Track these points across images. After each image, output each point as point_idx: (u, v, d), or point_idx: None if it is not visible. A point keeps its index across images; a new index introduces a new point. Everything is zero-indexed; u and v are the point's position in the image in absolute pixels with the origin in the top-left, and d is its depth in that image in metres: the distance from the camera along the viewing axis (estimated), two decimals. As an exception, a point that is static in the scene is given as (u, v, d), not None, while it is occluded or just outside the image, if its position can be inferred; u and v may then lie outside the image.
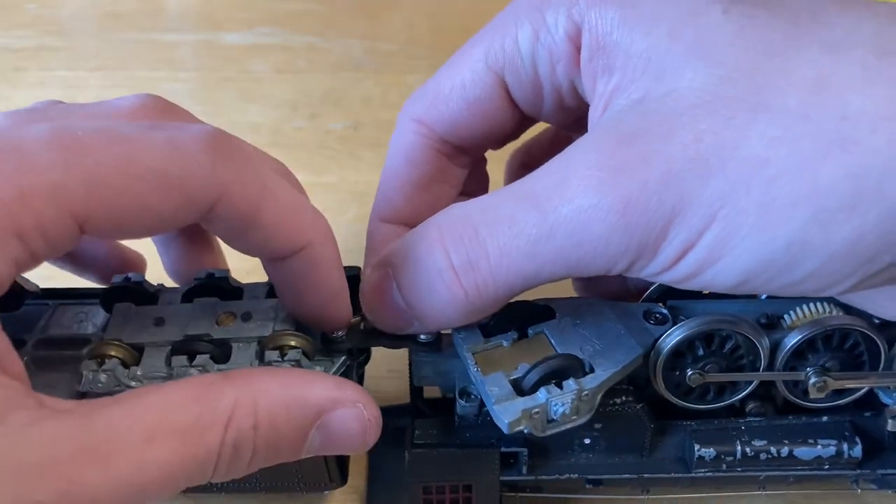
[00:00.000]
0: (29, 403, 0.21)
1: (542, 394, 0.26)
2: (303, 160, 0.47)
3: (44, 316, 0.29)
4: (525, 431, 0.26)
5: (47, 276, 0.30)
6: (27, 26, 0.56)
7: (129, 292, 0.29)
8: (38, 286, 0.30)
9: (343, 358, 0.28)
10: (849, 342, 0.28)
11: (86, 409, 0.21)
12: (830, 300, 0.29)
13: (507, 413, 0.26)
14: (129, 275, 0.30)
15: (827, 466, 0.29)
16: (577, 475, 0.29)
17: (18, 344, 0.28)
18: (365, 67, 0.54)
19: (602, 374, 0.27)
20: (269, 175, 0.25)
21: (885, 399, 0.29)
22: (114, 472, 0.21)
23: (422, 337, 0.28)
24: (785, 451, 0.29)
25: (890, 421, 0.29)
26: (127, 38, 0.56)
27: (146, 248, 0.33)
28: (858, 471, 0.29)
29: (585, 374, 0.27)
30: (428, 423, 0.29)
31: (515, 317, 0.29)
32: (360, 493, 0.33)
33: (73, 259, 0.32)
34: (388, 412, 0.28)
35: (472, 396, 0.28)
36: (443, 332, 0.28)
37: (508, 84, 0.29)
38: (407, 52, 0.55)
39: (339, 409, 0.24)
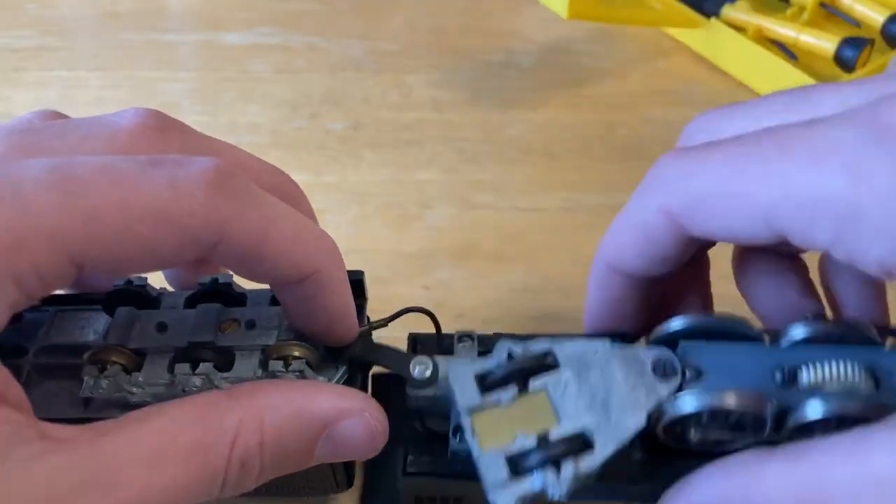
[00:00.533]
0: (31, 436, 0.21)
1: (538, 480, 0.26)
2: (303, 160, 0.47)
3: (45, 323, 0.29)
4: None
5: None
6: (27, 26, 0.56)
7: (131, 296, 0.29)
8: None
9: (345, 368, 0.28)
10: (861, 421, 0.27)
11: (88, 437, 0.21)
12: (855, 359, 0.27)
13: (503, 499, 0.25)
14: (131, 278, 0.29)
15: None
16: (566, 499, 0.29)
17: (20, 352, 0.28)
18: (365, 67, 0.53)
19: (602, 453, 0.26)
20: (274, 205, 0.25)
21: None
22: (120, 499, 0.21)
23: (417, 372, 0.28)
24: None
25: None
26: (127, 38, 0.56)
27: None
28: None
29: (585, 447, 0.26)
30: (422, 447, 0.29)
31: (516, 369, 0.28)
32: (359, 491, 0.33)
33: (75, 284, 0.32)
34: (385, 380, 0.29)
35: (464, 434, 0.27)
36: (439, 367, 0.28)
37: None
38: (407, 52, 0.55)
39: (345, 419, 0.24)
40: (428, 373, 0.28)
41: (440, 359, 0.28)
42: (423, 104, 0.51)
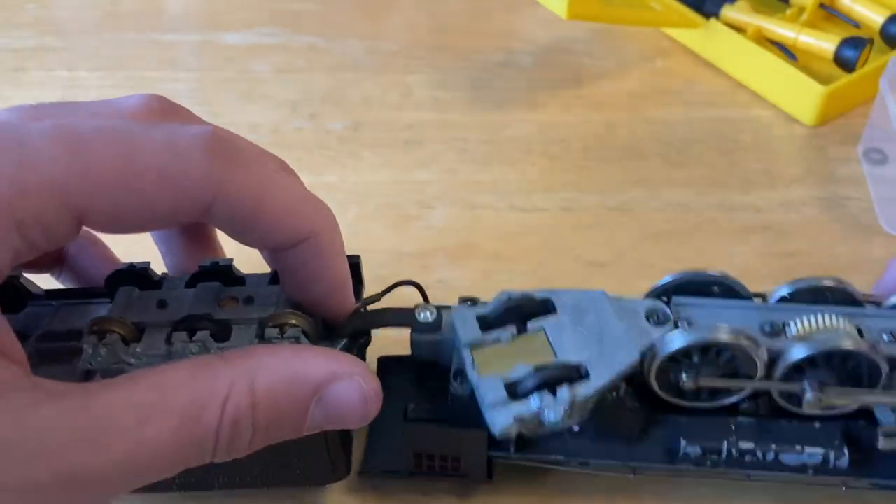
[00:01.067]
0: (26, 385, 0.21)
1: (534, 401, 0.26)
2: (303, 160, 0.47)
3: (48, 315, 0.29)
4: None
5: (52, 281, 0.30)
6: (27, 26, 0.56)
7: (134, 277, 0.30)
8: (42, 289, 0.30)
9: (344, 341, 0.28)
10: (851, 362, 0.28)
11: (82, 392, 0.21)
12: (839, 311, 0.28)
13: (500, 419, 0.26)
14: (134, 262, 0.30)
15: (811, 472, 0.29)
16: (563, 457, 0.30)
17: (21, 339, 0.28)
18: (365, 67, 0.54)
19: (597, 382, 0.27)
20: (270, 169, 0.25)
21: (880, 417, 0.29)
22: (111, 453, 0.21)
23: (422, 316, 0.29)
24: (771, 455, 0.29)
25: (882, 439, 0.29)
26: (127, 38, 0.56)
27: (147, 245, 0.33)
28: (843, 478, 0.29)
29: (581, 378, 0.27)
30: (424, 396, 0.30)
31: (516, 310, 0.29)
32: (358, 490, 0.33)
33: (73, 273, 0.32)
34: (390, 362, 0.30)
35: (467, 379, 0.29)
36: (443, 313, 0.29)
37: None
38: (407, 52, 0.55)
39: (338, 381, 0.24)
40: (432, 317, 0.29)
41: (444, 309, 0.29)
42: (423, 104, 0.51)
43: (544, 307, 0.29)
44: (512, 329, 0.29)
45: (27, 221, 0.22)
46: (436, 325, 0.29)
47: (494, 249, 0.43)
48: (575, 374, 0.27)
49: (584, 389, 0.27)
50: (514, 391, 0.27)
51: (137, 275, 0.30)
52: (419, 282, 0.31)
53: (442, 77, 0.53)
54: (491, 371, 0.27)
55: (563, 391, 0.26)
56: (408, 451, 0.30)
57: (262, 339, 0.27)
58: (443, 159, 0.48)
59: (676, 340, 0.28)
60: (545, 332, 0.29)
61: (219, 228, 0.26)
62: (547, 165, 0.47)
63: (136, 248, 0.33)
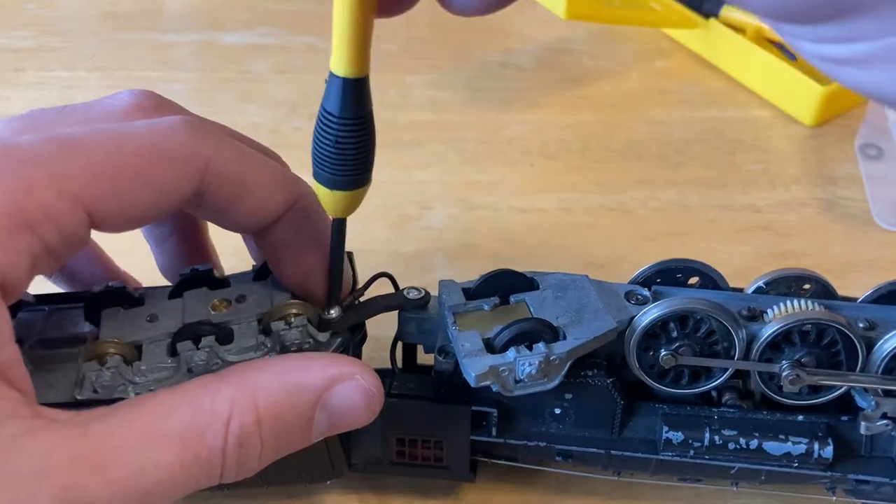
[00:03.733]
0: (24, 413, 0.21)
1: (511, 353, 0.27)
2: (303, 160, 0.46)
3: (40, 322, 0.29)
4: (493, 389, 0.27)
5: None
6: (27, 26, 0.56)
7: (114, 297, 0.29)
8: (32, 296, 0.30)
9: (340, 339, 0.28)
10: (826, 339, 0.28)
11: (82, 419, 0.22)
12: (818, 301, 0.29)
13: (476, 366, 0.27)
14: (109, 283, 0.29)
15: (796, 464, 0.29)
16: (545, 443, 0.30)
17: None
18: (364, 67, 0.53)
19: (573, 342, 0.27)
20: (248, 148, 0.27)
21: (860, 402, 0.29)
22: (112, 478, 0.21)
23: (412, 294, 0.30)
24: (754, 443, 0.29)
25: (863, 424, 0.29)
26: (126, 38, 0.56)
27: (140, 245, 0.33)
28: (829, 473, 0.29)
29: (557, 340, 0.28)
30: (407, 377, 0.31)
31: (500, 284, 0.30)
32: (357, 490, 0.33)
33: (66, 275, 0.32)
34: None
35: (450, 354, 0.29)
36: (431, 295, 0.30)
37: None
38: (406, 52, 0.55)
39: (339, 384, 0.24)
40: (420, 295, 0.30)
41: (433, 293, 0.30)
42: (423, 104, 0.51)
43: (528, 284, 0.30)
44: (495, 300, 0.30)
45: (37, 219, 0.22)
46: (424, 302, 0.30)
47: (493, 250, 0.43)
48: (552, 333, 0.28)
49: (560, 347, 0.27)
50: (492, 346, 0.28)
51: (116, 295, 0.29)
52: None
53: (441, 77, 0.53)
54: (471, 328, 0.28)
55: (539, 346, 0.27)
56: (389, 437, 0.30)
57: (266, 334, 0.27)
58: (442, 160, 0.48)
59: (654, 311, 0.28)
60: (527, 303, 0.29)
61: (208, 213, 0.27)
62: (546, 165, 0.47)
63: (129, 246, 0.33)
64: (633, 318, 0.29)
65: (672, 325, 0.29)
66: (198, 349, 0.27)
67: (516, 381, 0.27)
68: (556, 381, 0.28)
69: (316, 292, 0.28)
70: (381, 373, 0.31)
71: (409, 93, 0.52)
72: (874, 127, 0.46)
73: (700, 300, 0.28)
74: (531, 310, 0.29)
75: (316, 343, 0.28)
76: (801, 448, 0.29)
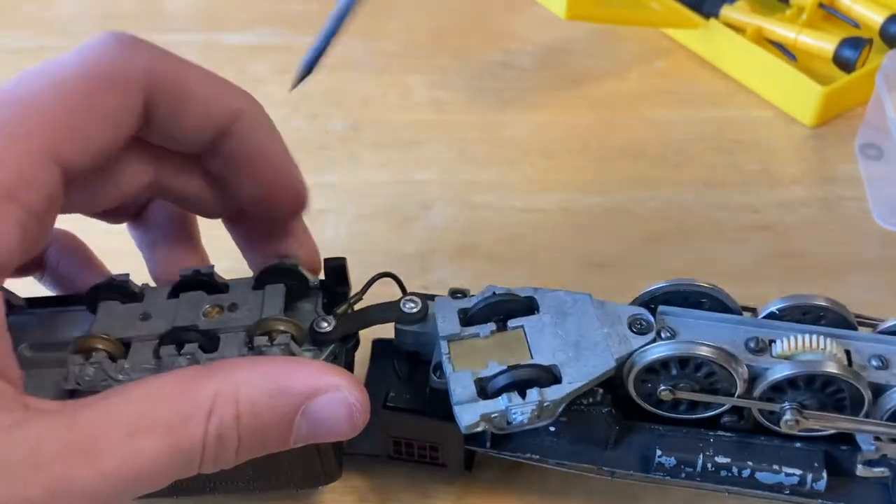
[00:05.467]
0: (13, 406, 0.21)
1: (503, 400, 0.26)
2: (303, 160, 0.46)
3: (30, 325, 0.29)
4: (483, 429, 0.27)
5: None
6: (27, 27, 0.56)
7: (114, 290, 0.29)
8: (23, 300, 0.30)
9: (332, 346, 0.28)
10: (832, 387, 0.28)
11: (70, 409, 0.22)
12: (827, 332, 0.28)
13: (467, 416, 0.26)
14: (113, 275, 0.30)
15: (787, 492, 0.29)
16: (538, 457, 0.30)
17: None
18: (365, 67, 0.54)
19: (567, 387, 0.27)
20: (187, 60, 0.27)
21: (861, 443, 0.28)
22: (102, 466, 0.21)
23: (407, 307, 0.29)
24: (746, 472, 0.29)
25: (860, 466, 0.28)
26: (127, 38, 0.56)
27: (131, 248, 0.33)
28: (820, 501, 0.29)
29: (552, 381, 0.27)
30: (404, 386, 0.30)
31: (499, 306, 0.29)
32: (357, 490, 0.33)
33: (55, 278, 0.33)
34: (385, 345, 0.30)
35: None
36: (428, 304, 0.29)
37: None
38: (407, 52, 0.55)
39: (323, 395, 0.24)
40: (416, 308, 0.29)
41: (428, 300, 0.29)
42: (423, 104, 0.51)
43: (528, 306, 0.29)
44: (492, 326, 0.29)
45: (17, 187, 0.22)
46: (420, 316, 0.29)
47: (494, 250, 0.43)
48: (547, 376, 0.27)
49: (554, 393, 0.27)
50: (485, 388, 0.27)
51: (118, 287, 0.29)
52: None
53: (442, 77, 0.53)
54: (465, 366, 0.28)
55: (533, 393, 0.26)
56: (386, 437, 0.30)
57: (250, 347, 0.27)
58: (442, 159, 0.48)
59: (655, 352, 0.28)
60: (524, 331, 0.29)
61: (158, 132, 0.27)
62: (546, 165, 0.47)
63: (120, 249, 0.33)
64: (633, 352, 0.28)
65: (672, 364, 0.28)
66: (180, 355, 0.27)
67: (508, 423, 0.27)
68: (549, 420, 0.27)
69: (274, 206, 0.29)
70: (383, 342, 0.31)
71: (410, 93, 0.52)
72: (874, 127, 0.46)
73: (703, 345, 0.27)
74: (528, 340, 0.28)
75: None
76: (794, 479, 0.29)
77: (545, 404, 0.26)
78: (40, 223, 0.23)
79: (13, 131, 0.23)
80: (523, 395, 0.26)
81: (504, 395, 0.26)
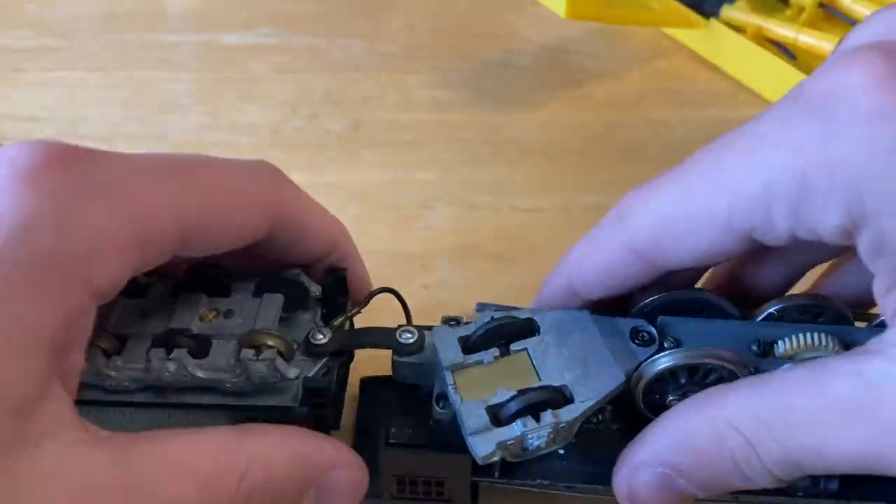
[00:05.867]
0: (76, 425, 0.22)
1: (518, 426, 0.26)
2: (303, 160, 0.47)
3: None
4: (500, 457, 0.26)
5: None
6: (27, 26, 0.56)
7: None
8: None
9: (325, 359, 0.28)
10: None
11: (122, 441, 0.23)
12: (828, 331, 0.28)
13: (483, 446, 0.26)
14: None
15: (801, 494, 0.28)
16: (549, 482, 0.29)
17: None
18: (365, 67, 0.54)
19: (581, 406, 0.26)
20: (308, 196, 0.30)
21: None
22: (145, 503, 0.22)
23: (403, 338, 0.29)
24: None
25: None
26: (126, 38, 0.56)
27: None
28: (834, 501, 0.29)
29: (565, 402, 0.27)
30: (404, 419, 0.29)
31: (499, 330, 0.28)
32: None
33: None
34: (376, 382, 0.30)
35: (449, 402, 0.28)
36: (424, 334, 0.29)
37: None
38: (407, 53, 0.55)
39: (336, 470, 0.26)
40: (413, 339, 0.29)
41: (425, 331, 0.29)
42: (423, 104, 0.51)
43: (528, 327, 0.29)
44: (495, 351, 0.28)
45: (149, 241, 0.24)
46: (417, 347, 0.29)
47: (494, 250, 0.43)
48: (559, 397, 0.27)
49: (568, 414, 0.26)
50: (497, 416, 0.26)
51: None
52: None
53: (442, 77, 0.53)
54: (473, 395, 0.27)
55: (547, 416, 0.26)
56: (389, 476, 0.29)
57: (238, 359, 0.27)
58: (443, 159, 0.48)
59: (663, 361, 0.28)
60: (528, 354, 0.28)
61: (262, 250, 0.29)
62: (547, 165, 0.47)
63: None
64: (640, 363, 0.28)
65: (680, 373, 0.28)
66: (168, 359, 0.27)
67: (524, 450, 0.26)
68: (564, 443, 0.27)
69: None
70: (378, 380, 0.31)
71: (410, 93, 0.52)
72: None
73: (711, 352, 0.27)
74: (533, 362, 0.28)
75: (283, 378, 0.27)
76: (807, 481, 0.28)
77: (561, 426, 0.26)
78: (141, 270, 0.25)
79: (171, 194, 0.25)
80: (537, 419, 0.26)
81: (518, 421, 0.26)
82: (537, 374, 0.27)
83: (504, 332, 0.29)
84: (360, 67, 0.54)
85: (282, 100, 0.51)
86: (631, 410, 0.29)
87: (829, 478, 0.28)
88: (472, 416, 0.26)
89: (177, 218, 0.25)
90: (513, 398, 0.26)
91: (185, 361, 0.27)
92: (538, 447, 0.26)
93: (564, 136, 0.49)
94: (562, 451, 0.29)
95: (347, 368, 0.30)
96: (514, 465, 0.29)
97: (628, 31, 0.55)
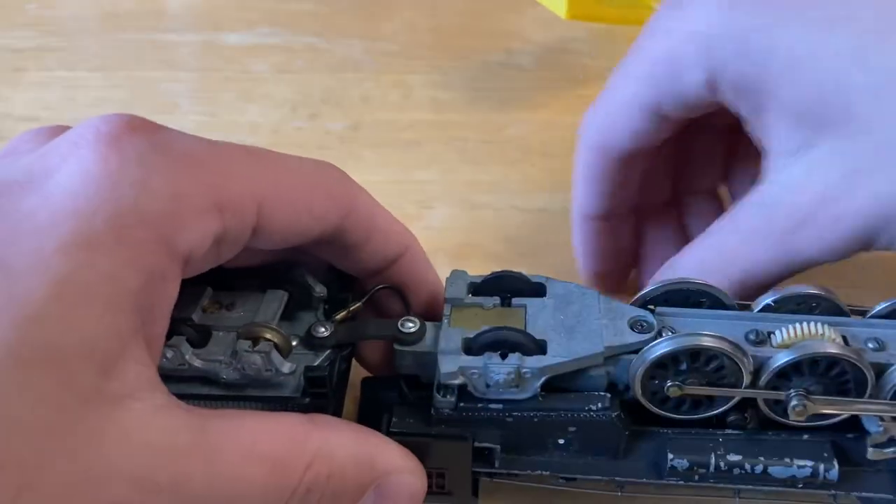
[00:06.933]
0: (161, 389, 0.22)
1: (483, 358, 0.27)
2: (303, 160, 0.47)
3: None
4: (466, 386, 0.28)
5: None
6: (27, 26, 0.56)
7: None
8: None
9: (328, 352, 0.28)
10: (836, 370, 0.28)
11: (199, 412, 0.23)
12: (823, 320, 0.29)
13: (448, 364, 0.27)
14: None
15: (801, 486, 0.29)
16: (549, 472, 0.30)
17: None
18: (365, 67, 0.54)
19: (549, 359, 0.27)
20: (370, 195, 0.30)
21: (868, 426, 0.29)
22: (214, 479, 0.22)
23: (405, 327, 0.29)
24: (759, 468, 0.29)
25: (871, 449, 0.28)
26: (127, 38, 0.56)
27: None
28: (834, 492, 0.29)
29: (537, 353, 0.27)
30: (405, 410, 0.30)
31: (506, 286, 0.30)
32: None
33: None
34: (376, 382, 0.30)
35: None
36: (426, 325, 0.29)
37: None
38: (407, 52, 0.55)
39: (398, 474, 0.26)
40: (415, 328, 0.29)
41: (428, 323, 0.29)
42: (423, 104, 0.51)
43: (536, 290, 0.30)
44: (496, 300, 0.30)
45: (228, 206, 0.24)
46: (418, 336, 0.29)
47: (494, 250, 0.43)
48: (532, 346, 0.27)
49: (535, 362, 0.27)
50: (471, 348, 0.28)
51: None
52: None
53: (442, 77, 0.53)
54: (459, 326, 0.28)
55: (513, 357, 0.27)
56: None
57: (234, 350, 0.27)
58: (443, 159, 0.48)
59: (664, 345, 0.28)
60: (525, 310, 0.29)
61: (331, 251, 0.29)
62: (547, 165, 0.47)
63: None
64: (625, 346, 0.28)
65: (682, 358, 0.28)
66: (166, 345, 0.27)
67: (487, 386, 0.27)
68: (529, 394, 0.27)
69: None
70: (379, 380, 0.32)
71: (410, 93, 0.52)
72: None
73: (709, 336, 0.28)
74: (527, 317, 0.29)
75: (277, 373, 0.27)
76: (807, 471, 0.28)
77: (523, 370, 0.27)
78: (220, 249, 0.25)
79: (248, 171, 0.26)
80: (504, 358, 0.27)
81: (486, 354, 0.27)
82: (525, 326, 0.29)
83: (511, 286, 0.30)
84: (360, 67, 0.54)
85: (282, 100, 0.51)
86: (631, 403, 0.29)
87: (828, 468, 0.29)
88: (449, 340, 0.28)
89: (253, 193, 0.25)
90: (488, 331, 0.28)
91: (183, 349, 0.27)
92: (497, 383, 0.27)
93: (564, 136, 0.49)
94: (562, 442, 0.29)
95: (349, 361, 0.31)
96: (514, 456, 0.29)
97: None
